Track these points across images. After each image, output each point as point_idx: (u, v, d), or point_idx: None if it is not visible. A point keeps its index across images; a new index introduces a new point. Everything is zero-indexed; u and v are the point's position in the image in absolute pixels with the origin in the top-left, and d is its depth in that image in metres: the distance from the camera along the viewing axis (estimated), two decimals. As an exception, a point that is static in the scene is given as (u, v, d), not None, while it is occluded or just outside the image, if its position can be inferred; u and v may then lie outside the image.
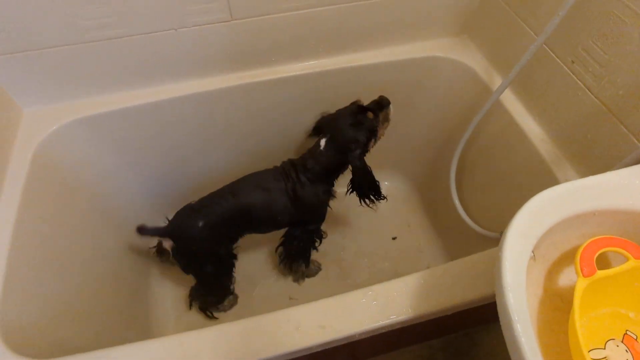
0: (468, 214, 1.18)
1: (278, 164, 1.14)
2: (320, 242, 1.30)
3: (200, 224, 1.02)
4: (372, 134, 1.07)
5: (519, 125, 1.03)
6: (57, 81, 1.01)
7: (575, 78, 0.89)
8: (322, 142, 1.07)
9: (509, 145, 1.08)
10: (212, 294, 1.25)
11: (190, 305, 1.29)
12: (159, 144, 1.19)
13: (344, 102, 1.29)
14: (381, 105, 1.09)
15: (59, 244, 0.96)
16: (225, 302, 1.28)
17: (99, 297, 1.04)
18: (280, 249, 1.27)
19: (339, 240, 1.48)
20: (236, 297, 1.32)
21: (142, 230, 1.06)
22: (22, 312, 0.79)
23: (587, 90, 0.87)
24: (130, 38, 0.96)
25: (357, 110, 1.06)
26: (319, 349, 0.75)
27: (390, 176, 1.60)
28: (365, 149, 1.08)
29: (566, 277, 0.63)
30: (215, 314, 1.28)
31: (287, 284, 1.38)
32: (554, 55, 0.94)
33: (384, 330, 0.76)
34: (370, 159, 1.53)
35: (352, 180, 1.08)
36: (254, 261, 1.42)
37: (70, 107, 1.05)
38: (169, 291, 1.34)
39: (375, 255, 1.45)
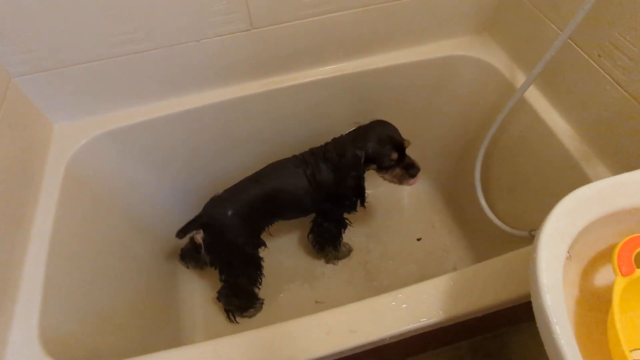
0: (494, 213, 1.17)
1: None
2: (344, 230, 1.32)
3: (230, 212, 1.05)
4: (382, 164, 1.08)
5: (545, 122, 1.01)
6: (85, 96, 1.04)
7: (602, 72, 0.87)
8: (360, 125, 1.11)
9: (535, 143, 1.06)
10: (239, 296, 1.26)
11: (227, 313, 1.30)
12: (183, 152, 1.22)
13: (365, 106, 1.29)
14: (412, 164, 1.10)
15: (93, 254, 0.99)
16: (252, 309, 1.30)
17: (132, 305, 1.06)
18: (311, 235, 1.32)
19: (364, 242, 1.48)
20: (262, 303, 1.33)
21: (179, 233, 1.09)
22: (60, 322, 0.82)
23: (615, 84, 0.85)
24: (155, 51, 0.98)
25: (393, 139, 1.06)
26: (350, 353, 0.75)
27: (412, 177, 1.59)
28: (366, 164, 1.09)
29: (603, 277, 0.62)
30: (239, 319, 1.29)
31: (312, 287, 1.39)
32: (579, 49, 0.92)
33: (414, 334, 0.76)
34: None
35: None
36: (278, 266, 1.43)
37: (98, 121, 1.08)
38: (198, 297, 1.37)
39: (401, 257, 1.44)
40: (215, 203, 1.10)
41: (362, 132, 1.08)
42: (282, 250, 1.46)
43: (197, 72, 1.08)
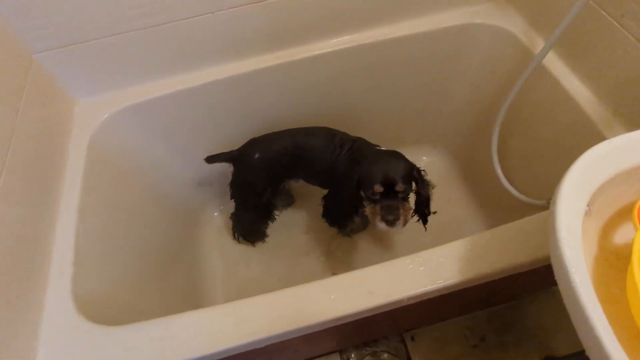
0: (511, 183, 1.16)
1: None
2: (356, 214, 1.27)
3: (257, 155, 1.14)
4: (366, 192, 0.99)
5: (564, 87, 0.99)
6: (105, 71, 1.06)
7: (626, 33, 0.85)
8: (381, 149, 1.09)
9: (554, 110, 1.05)
10: (246, 227, 1.37)
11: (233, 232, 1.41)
12: (203, 127, 1.24)
13: (379, 78, 1.29)
14: (393, 209, 0.95)
15: (118, 223, 1.03)
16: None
17: (156, 270, 1.11)
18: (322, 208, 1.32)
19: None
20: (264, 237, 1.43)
21: (209, 159, 1.20)
22: (91, 285, 0.86)
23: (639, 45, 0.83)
24: (172, 24, 0.99)
25: (385, 173, 0.95)
26: (368, 314, 0.77)
27: (428, 151, 1.58)
28: (358, 187, 1.01)
29: (622, 234, 0.62)
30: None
31: (328, 260, 1.41)
32: (601, 10, 0.89)
33: (432, 296, 0.77)
34: (406, 135, 1.53)
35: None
36: (294, 239, 1.45)
37: (119, 96, 1.11)
38: (217, 264, 1.41)
39: (416, 230, 1.44)
40: (249, 144, 1.18)
41: (372, 154, 1.05)
42: (298, 224, 1.48)
43: (214, 45, 1.08)
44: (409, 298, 0.75)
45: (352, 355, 1.28)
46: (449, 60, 1.27)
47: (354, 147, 1.11)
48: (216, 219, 1.50)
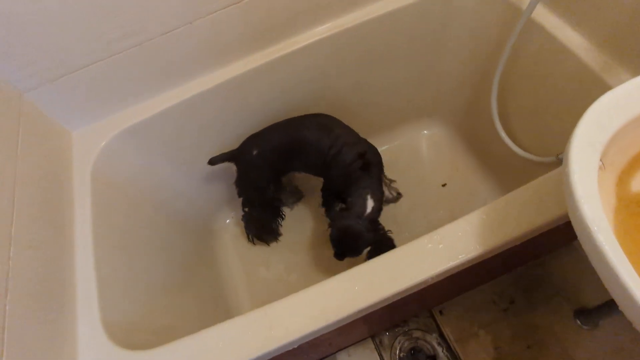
0: (517, 144, 1.15)
1: None
2: None
3: (255, 152, 1.17)
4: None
5: (558, 39, 0.97)
6: (96, 98, 1.05)
7: (614, -28, 0.82)
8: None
9: (550, 64, 1.02)
10: (257, 226, 1.39)
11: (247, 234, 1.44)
12: (201, 138, 1.24)
13: (371, 57, 1.27)
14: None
15: (135, 248, 1.04)
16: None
17: (180, 288, 1.12)
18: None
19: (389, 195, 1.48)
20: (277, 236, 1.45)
21: (211, 160, 1.22)
22: (119, 312, 0.87)
23: (629, -17, 0.80)
24: (153, 42, 0.98)
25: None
26: (396, 299, 0.77)
27: (428, 124, 1.57)
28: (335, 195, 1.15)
29: (639, 181, 0.61)
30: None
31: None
32: (585, -48, 0.86)
33: (454, 271, 0.77)
34: (404, 111, 1.51)
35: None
36: (311, 229, 1.46)
37: (113, 121, 1.10)
38: (237, 270, 1.42)
39: (429, 205, 1.45)
40: (247, 141, 1.21)
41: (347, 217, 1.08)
42: (311, 218, 1.48)
43: (198, 55, 1.07)
44: (433, 277, 0.75)
45: (385, 338, 1.29)
46: (435, 31, 1.25)
47: (352, 168, 1.12)
48: (229, 226, 1.51)
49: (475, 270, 0.91)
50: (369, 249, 1.12)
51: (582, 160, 0.51)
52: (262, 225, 1.40)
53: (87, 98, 1.05)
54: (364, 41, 1.21)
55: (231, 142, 1.26)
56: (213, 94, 1.14)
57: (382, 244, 1.15)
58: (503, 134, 1.18)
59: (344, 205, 1.22)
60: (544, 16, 1.00)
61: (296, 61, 1.17)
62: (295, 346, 0.75)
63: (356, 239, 1.05)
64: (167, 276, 1.10)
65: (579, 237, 0.52)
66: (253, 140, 1.21)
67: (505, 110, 1.22)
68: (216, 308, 1.24)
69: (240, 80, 1.13)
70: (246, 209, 1.35)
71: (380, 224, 1.12)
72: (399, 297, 0.77)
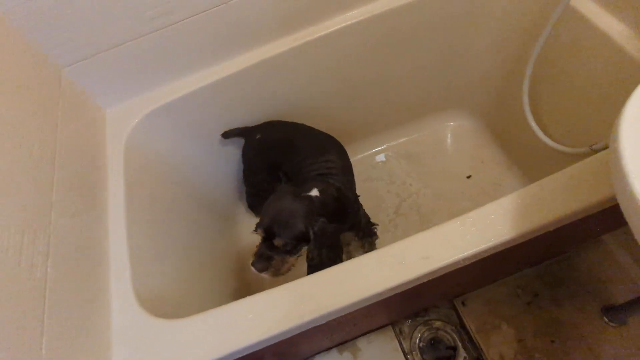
0: (547, 135, 1.13)
1: (341, 118, 1.26)
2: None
3: (258, 136, 1.24)
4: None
5: (598, 27, 0.95)
6: (131, 76, 1.08)
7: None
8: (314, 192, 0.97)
9: (589, 52, 1.00)
10: (251, 199, 1.44)
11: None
12: (228, 121, 1.25)
13: (397, 48, 1.26)
14: (260, 257, 0.92)
15: (163, 225, 1.06)
16: None
17: (203, 266, 1.14)
18: None
19: (414, 186, 1.48)
20: None
21: (225, 134, 1.27)
22: (148, 284, 0.89)
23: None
24: (189, 20, 0.99)
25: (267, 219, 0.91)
26: (423, 281, 0.77)
27: (454, 115, 1.55)
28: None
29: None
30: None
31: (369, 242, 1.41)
32: (631, -63, 0.84)
33: (486, 255, 0.77)
34: (430, 101, 1.50)
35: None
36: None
37: (145, 100, 1.12)
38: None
39: (453, 197, 1.44)
40: (262, 125, 1.26)
41: (285, 194, 0.95)
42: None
43: (230, 36, 1.08)
44: (465, 259, 0.75)
45: (405, 327, 1.29)
46: (466, 16, 1.23)
47: (324, 190, 0.99)
48: (250, 211, 1.52)
49: (502, 258, 0.90)
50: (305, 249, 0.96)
51: (632, 136, 0.50)
52: (253, 199, 1.45)
53: (122, 76, 1.07)
54: (392, 28, 1.20)
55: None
56: (242, 77, 1.15)
57: (325, 245, 0.96)
58: (533, 124, 1.16)
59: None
60: (584, 3, 0.98)
61: (323, 47, 1.17)
62: (323, 322, 0.76)
63: (290, 215, 0.90)
64: (191, 253, 1.12)
65: (626, 216, 0.51)
66: (265, 126, 1.26)
67: (536, 100, 1.20)
68: (238, 286, 1.26)
69: (268, 64, 1.14)
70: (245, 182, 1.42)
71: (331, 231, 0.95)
72: (429, 279, 0.76)
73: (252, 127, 1.27)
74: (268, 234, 0.90)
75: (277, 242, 0.89)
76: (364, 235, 1.32)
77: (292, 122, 1.27)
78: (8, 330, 0.57)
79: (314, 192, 0.97)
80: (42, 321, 0.63)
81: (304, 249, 0.96)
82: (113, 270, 0.85)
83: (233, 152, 1.33)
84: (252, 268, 0.92)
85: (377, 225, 1.33)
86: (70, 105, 0.97)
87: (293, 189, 0.98)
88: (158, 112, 1.12)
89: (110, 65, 1.04)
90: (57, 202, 0.78)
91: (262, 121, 1.30)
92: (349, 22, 1.15)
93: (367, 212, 1.32)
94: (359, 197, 1.21)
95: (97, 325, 0.76)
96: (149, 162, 1.11)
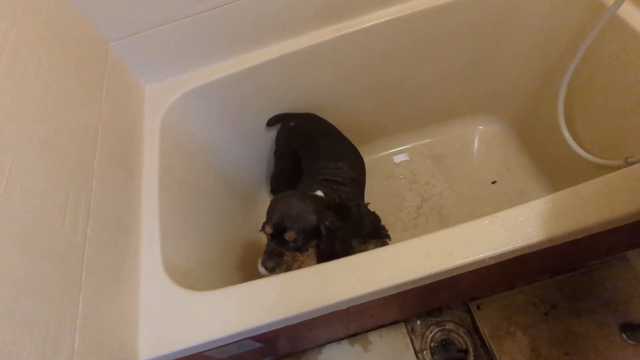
0: (580, 146, 1.11)
1: (368, 115, 1.30)
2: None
3: (291, 124, 1.29)
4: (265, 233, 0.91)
5: (644, 37, 0.93)
6: (172, 56, 1.11)
7: None
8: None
9: (632, 63, 0.98)
10: (273, 182, 1.49)
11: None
12: (260, 107, 1.28)
13: (434, 46, 1.26)
14: (272, 252, 0.88)
15: (191, 202, 1.09)
16: None
17: (226, 245, 1.17)
18: None
19: (438, 187, 1.48)
20: None
21: (269, 122, 1.34)
22: (175, 257, 0.92)
23: None
24: (233, 5, 1.02)
25: (276, 216, 0.89)
26: (447, 276, 0.77)
27: (483, 119, 1.55)
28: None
29: None
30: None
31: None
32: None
33: (512, 256, 0.76)
34: (460, 104, 1.50)
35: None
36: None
37: (183, 80, 1.15)
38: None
39: (476, 201, 1.43)
40: (302, 114, 1.32)
41: (290, 197, 0.94)
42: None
43: (270, 23, 1.10)
44: (490, 258, 0.75)
45: (417, 326, 1.30)
46: (506, 19, 1.22)
47: (328, 194, 1.00)
48: (271, 195, 1.54)
49: (524, 263, 0.90)
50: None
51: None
52: (276, 182, 1.48)
53: (162, 55, 1.10)
54: (429, 28, 1.20)
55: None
56: (275, 65, 1.17)
57: (334, 243, 0.94)
58: (567, 134, 1.15)
59: None
60: (632, 13, 0.97)
61: (358, 42, 1.18)
62: (344, 307, 0.77)
63: (300, 210, 0.89)
64: (215, 233, 1.15)
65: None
66: (302, 115, 1.30)
67: (570, 110, 1.18)
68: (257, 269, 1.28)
69: (301, 54, 1.16)
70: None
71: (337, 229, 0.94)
72: (452, 275, 0.77)
73: (292, 114, 1.32)
74: (278, 229, 0.87)
75: (289, 234, 0.86)
76: (375, 237, 1.33)
77: (328, 123, 1.30)
78: (52, 281, 0.60)
79: (319, 193, 0.99)
80: (81, 279, 0.66)
81: (311, 251, 0.94)
82: (144, 240, 0.88)
83: (260, 138, 1.35)
84: (262, 269, 0.87)
85: (387, 232, 1.35)
86: (115, 79, 1.00)
87: (298, 191, 0.99)
88: (193, 93, 1.15)
89: (152, 43, 1.07)
90: (98, 170, 0.81)
91: (291, 111, 1.32)
92: (385, 19, 1.16)
93: (380, 216, 1.34)
94: (368, 205, 1.23)
95: (128, 289, 0.79)
96: (181, 141, 1.15)
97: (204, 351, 0.80)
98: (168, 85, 1.16)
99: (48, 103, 0.74)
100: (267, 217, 0.90)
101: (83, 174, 0.77)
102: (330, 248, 0.92)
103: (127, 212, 0.88)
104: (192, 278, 0.93)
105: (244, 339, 0.80)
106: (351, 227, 1.05)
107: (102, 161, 0.83)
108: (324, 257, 0.94)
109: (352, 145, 1.26)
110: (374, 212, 1.32)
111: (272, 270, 0.87)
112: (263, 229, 0.90)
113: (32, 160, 0.65)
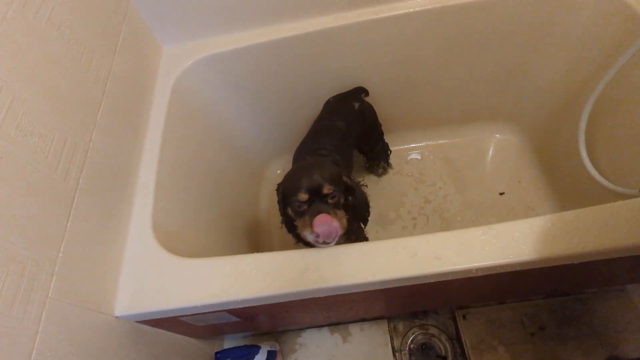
0: (596, 168, 1.07)
1: (386, 106, 1.25)
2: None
3: (330, 99, 1.26)
4: (293, 208, 0.86)
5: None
6: (192, 19, 1.10)
7: None
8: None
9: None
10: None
11: None
12: (274, 82, 1.26)
13: (459, 44, 1.21)
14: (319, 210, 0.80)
15: (192, 167, 1.09)
16: None
17: (223, 217, 1.17)
18: None
19: (444, 190, 1.45)
20: None
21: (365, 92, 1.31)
22: (167, 220, 0.92)
23: None
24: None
25: (306, 179, 0.83)
26: (432, 280, 0.76)
27: (502, 128, 1.50)
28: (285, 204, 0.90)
29: None
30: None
31: (386, 231, 1.40)
32: None
33: (501, 271, 0.74)
34: (480, 109, 1.45)
35: None
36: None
37: (202, 45, 1.14)
38: (275, 221, 1.45)
39: (481, 209, 1.40)
40: (351, 91, 1.30)
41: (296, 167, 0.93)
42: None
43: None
44: (477, 269, 0.73)
45: (400, 325, 1.29)
46: (541, 28, 1.17)
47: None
48: (278, 177, 1.54)
49: (517, 279, 0.88)
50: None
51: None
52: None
53: (185, 17, 1.09)
54: (461, 24, 1.16)
55: (298, 97, 1.28)
56: (299, 42, 1.15)
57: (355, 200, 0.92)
58: (584, 155, 1.10)
59: None
60: (671, 37, 0.91)
61: (388, 29, 1.14)
62: (322, 295, 0.77)
63: (321, 163, 0.88)
64: (213, 203, 1.15)
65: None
66: (348, 95, 1.27)
67: (592, 130, 1.13)
68: (249, 245, 1.28)
69: (328, 34, 1.13)
70: None
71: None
72: (437, 280, 0.75)
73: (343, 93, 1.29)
74: (312, 190, 0.81)
75: (327, 188, 0.80)
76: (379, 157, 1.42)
77: (374, 116, 1.29)
78: (33, 224, 0.61)
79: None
80: (65, 227, 0.67)
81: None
82: (137, 198, 0.89)
83: (272, 116, 1.34)
84: (311, 236, 0.78)
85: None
86: (132, 35, 0.99)
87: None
88: (211, 59, 1.14)
89: (176, 4, 1.06)
90: (100, 122, 0.81)
91: (307, 88, 1.29)
92: (417, 9, 1.12)
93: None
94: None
95: (113, 243, 0.80)
96: (191, 106, 1.14)
97: (180, 316, 0.81)
98: (187, 48, 1.15)
99: (58, 48, 0.74)
100: (294, 188, 0.82)
101: (84, 123, 0.77)
102: (361, 197, 0.90)
103: (124, 167, 0.89)
104: (179, 241, 0.93)
105: (220, 311, 0.81)
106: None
107: (106, 113, 0.84)
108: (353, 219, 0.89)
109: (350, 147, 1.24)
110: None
111: (331, 234, 0.76)
112: (296, 202, 0.82)
113: (34, 102, 0.65)
